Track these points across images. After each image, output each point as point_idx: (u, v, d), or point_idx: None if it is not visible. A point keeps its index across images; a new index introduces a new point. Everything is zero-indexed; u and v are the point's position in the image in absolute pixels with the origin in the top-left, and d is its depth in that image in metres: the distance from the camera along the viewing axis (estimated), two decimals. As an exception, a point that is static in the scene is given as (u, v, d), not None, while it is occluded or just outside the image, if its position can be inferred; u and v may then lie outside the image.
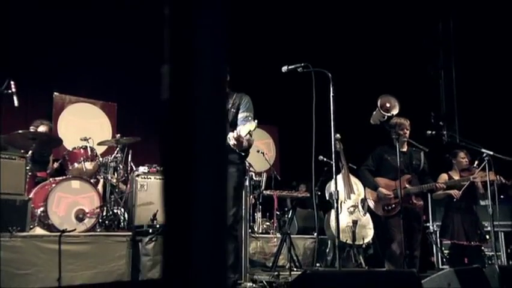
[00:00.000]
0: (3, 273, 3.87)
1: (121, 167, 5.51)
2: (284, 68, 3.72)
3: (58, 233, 4.07)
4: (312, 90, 3.65)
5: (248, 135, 3.59)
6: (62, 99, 7.83)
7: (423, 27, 9.08)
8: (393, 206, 4.59)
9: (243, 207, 4.59)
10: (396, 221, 4.55)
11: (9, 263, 3.92)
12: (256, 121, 3.46)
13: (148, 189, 5.19)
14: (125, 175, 5.68)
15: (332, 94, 3.51)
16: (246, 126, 3.45)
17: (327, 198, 6.44)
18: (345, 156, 6.26)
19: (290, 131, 10.11)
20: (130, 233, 4.71)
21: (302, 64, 3.61)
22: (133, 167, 5.74)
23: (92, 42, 7.78)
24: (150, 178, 5.23)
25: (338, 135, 6.42)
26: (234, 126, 3.75)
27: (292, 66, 3.66)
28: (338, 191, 3.57)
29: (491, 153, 4.35)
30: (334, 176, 3.76)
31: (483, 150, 4.38)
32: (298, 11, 8.20)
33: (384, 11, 8.33)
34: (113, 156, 5.53)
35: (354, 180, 6.36)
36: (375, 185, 4.70)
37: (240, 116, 3.74)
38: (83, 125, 7.83)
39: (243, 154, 3.73)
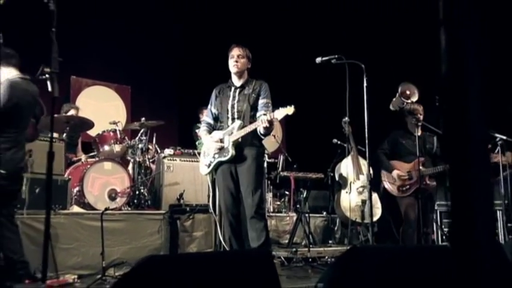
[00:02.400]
0: (50, 247, 4.18)
1: (147, 148, 5.78)
2: (318, 59, 3.97)
3: (99, 211, 4.36)
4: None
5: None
6: (79, 82, 8.04)
7: (428, 11, 9.25)
8: (408, 187, 4.92)
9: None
10: (411, 201, 4.88)
11: (54, 238, 4.23)
12: (293, 106, 3.71)
13: (174, 170, 5.49)
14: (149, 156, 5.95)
15: (365, 85, 3.77)
16: (281, 111, 3.64)
17: (337, 179, 6.76)
18: (354, 139, 6.57)
19: (297, 113, 10.37)
20: (160, 212, 5.03)
21: (336, 56, 3.86)
22: (158, 149, 6.02)
23: (106, 26, 7.97)
24: (176, 160, 5.53)
25: (346, 119, 6.71)
26: (254, 110, 3.99)
27: (326, 58, 3.91)
28: (370, 174, 3.83)
29: (504, 137, 4.66)
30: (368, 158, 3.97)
31: (496, 134, 4.69)
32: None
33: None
34: (137, 138, 5.80)
35: (362, 161, 6.66)
36: (390, 167, 5.02)
37: (261, 102, 3.94)
38: (99, 107, 8.07)
39: (263, 138, 3.94)
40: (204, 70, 8.66)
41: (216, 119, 4.10)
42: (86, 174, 4.90)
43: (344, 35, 7.94)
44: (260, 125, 3.76)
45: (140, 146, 5.57)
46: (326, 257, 5.85)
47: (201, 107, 7.65)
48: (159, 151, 5.91)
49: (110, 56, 8.09)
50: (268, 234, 3.95)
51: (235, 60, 4.01)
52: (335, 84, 6.53)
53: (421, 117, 4.89)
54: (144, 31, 8.48)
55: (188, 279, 1.63)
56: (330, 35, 8.19)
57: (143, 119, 5.84)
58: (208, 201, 5.25)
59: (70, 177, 4.75)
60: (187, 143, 7.45)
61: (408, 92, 4.72)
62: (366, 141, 3.78)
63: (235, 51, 4.02)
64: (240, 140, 3.84)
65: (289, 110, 3.59)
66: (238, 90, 4.04)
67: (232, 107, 3.99)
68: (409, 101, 4.66)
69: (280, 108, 3.71)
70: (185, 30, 9.11)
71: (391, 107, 4.81)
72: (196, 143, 7.34)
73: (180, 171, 5.51)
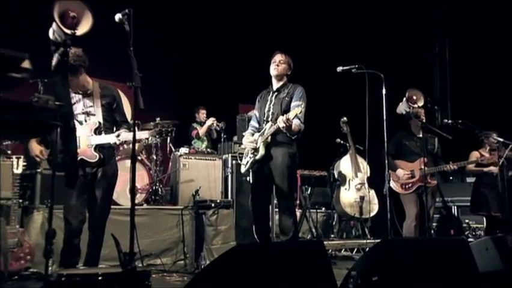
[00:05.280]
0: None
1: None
2: (339, 69, 4.29)
3: (126, 207, 4.63)
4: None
5: (298, 120, 4.12)
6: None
7: (419, 16, 9.62)
8: (410, 184, 5.31)
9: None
10: (413, 198, 5.26)
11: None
12: (302, 106, 4.02)
13: (190, 168, 5.79)
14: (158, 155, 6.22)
15: (384, 93, 4.10)
16: (293, 111, 3.98)
17: (336, 176, 7.11)
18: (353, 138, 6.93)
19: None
20: (179, 207, 5.32)
21: (356, 66, 4.19)
22: (172, 148, 6.30)
23: (112, 26, 8.16)
24: (191, 158, 5.83)
25: (344, 119, 7.06)
26: (287, 112, 4.13)
27: (347, 67, 4.23)
28: (389, 174, 4.15)
29: (501, 139, 5.08)
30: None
31: (495, 136, 5.09)
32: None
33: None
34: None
35: (360, 159, 7.03)
36: (394, 166, 5.38)
37: (293, 104, 4.19)
38: (106, 105, 8.26)
39: (293, 138, 4.19)
40: (201, 72, 8.97)
41: (259, 122, 4.40)
42: (109, 172, 5.15)
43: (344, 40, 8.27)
44: (279, 126, 4.04)
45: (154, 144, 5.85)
46: (330, 250, 6.21)
47: (197, 107, 7.95)
48: (174, 150, 6.19)
49: (116, 55, 8.28)
50: (297, 229, 4.27)
51: (276, 64, 4.33)
52: (338, 88, 6.85)
53: (424, 120, 5.26)
54: (146, 33, 8.71)
55: (265, 265, 1.95)
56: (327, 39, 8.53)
57: (158, 118, 6.11)
58: (222, 197, 5.59)
59: (97, 174, 5.00)
60: (184, 142, 7.73)
61: (415, 97, 5.09)
62: (385, 144, 4.11)
63: (277, 57, 4.35)
64: (269, 140, 4.15)
65: (298, 110, 3.94)
66: (275, 94, 4.36)
67: (268, 110, 4.31)
68: (416, 105, 5.04)
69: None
70: (184, 33, 9.36)
71: (397, 111, 5.18)
72: (192, 142, 7.62)
73: (195, 168, 5.82)
